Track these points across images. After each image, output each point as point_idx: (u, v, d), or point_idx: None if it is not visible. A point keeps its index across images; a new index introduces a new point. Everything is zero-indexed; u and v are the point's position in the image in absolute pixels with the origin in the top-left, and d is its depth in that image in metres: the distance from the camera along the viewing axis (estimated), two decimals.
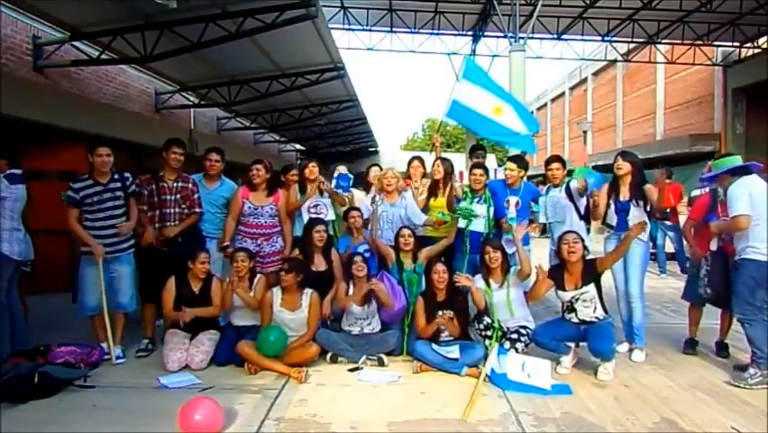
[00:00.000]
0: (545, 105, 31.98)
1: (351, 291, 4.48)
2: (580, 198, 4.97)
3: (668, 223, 8.59)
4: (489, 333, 4.35)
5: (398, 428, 3.20)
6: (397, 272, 4.75)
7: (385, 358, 4.28)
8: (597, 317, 4.12)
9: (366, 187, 5.80)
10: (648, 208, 4.48)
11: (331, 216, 5.19)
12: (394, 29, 14.27)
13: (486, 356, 4.05)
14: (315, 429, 3.18)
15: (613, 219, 4.57)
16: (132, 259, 4.52)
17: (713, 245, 4.47)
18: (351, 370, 4.16)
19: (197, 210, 4.78)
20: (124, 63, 8.51)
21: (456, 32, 14.76)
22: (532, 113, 6.69)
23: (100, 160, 4.29)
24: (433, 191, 5.32)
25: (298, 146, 21.37)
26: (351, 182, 5.65)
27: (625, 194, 4.50)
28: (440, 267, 4.36)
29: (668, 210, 8.14)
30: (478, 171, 5.12)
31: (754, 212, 3.77)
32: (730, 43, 14.42)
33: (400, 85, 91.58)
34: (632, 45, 16.00)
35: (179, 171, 4.77)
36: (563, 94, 29.23)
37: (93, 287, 4.34)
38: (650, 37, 14.20)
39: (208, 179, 5.07)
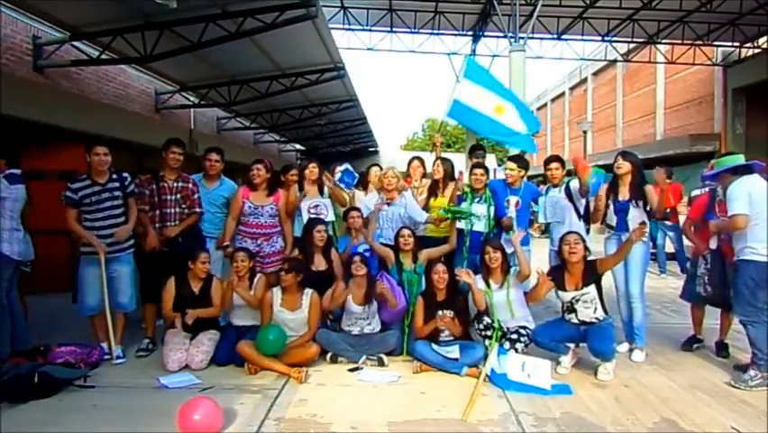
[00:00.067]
0: (545, 105, 32.00)
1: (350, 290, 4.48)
2: (580, 198, 4.97)
3: (668, 223, 8.59)
4: (488, 333, 4.35)
5: (398, 428, 3.20)
6: (397, 273, 4.74)
7: (385, 358, 4.28)
8: (597, 318, 4.11)
9: (364, 186, 5.79)
10: (648, 209, 4.48)
11: (331, 216, 5.19)
12: (394, 29, 14.28)
13: (486, 356, 4.05)
14: (315, 429, 3.18)
15: (613, 220, 4.57)
16: (131, 259, 4.52)
17: (712, 244, 4.47)
18: (351, 370, 4.15)
19: (197, 210, 4.78)
20: (124, 63, 8.51)
21: (456, 32, 14.77)
22: (532, 112, 6.67)
23: (97, 159, 4.29)
24: (433, 191, 5.33)
25: (298, 146, 21.37)
26: (355, 179, 5.66)
27: (624, 194, 4.50)
28: (440, 267, 4.36)
29: (668, 210, 8.13)
30: (479, 171, 5.13)
31: (753, 212, 3.75)
32: (730, 43, 14.43)
33: (400, 85, 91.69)
34: (632, 45, 16.01)
35: (179, 171, 4.77)
36: (563, 94, 29.25)
37: (92, 287, 4.34)
38: (650, 37, 14.21)
39: (208, 179, 5.07)
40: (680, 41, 14.33)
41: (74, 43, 7.58)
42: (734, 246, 3.98)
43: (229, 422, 3.22)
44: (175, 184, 4.71)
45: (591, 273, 4.14)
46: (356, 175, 5.69)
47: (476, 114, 5.33)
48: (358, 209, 5.17)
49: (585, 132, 18.78)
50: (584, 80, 25.88)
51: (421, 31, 14.32)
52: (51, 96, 7.36)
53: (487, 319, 4.39)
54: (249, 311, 4.48)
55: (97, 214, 4.31)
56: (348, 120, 16.06)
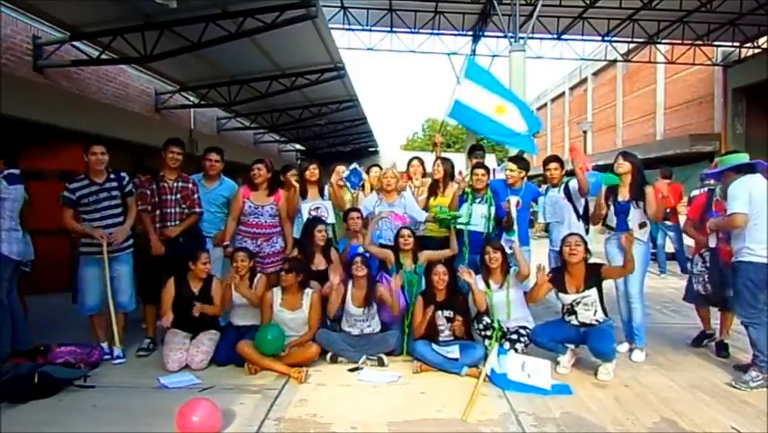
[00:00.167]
0: (545, 105, 31.99)
1: (350, 291, 4.47)
2: (580, 198, 4.97)
3: (668, 223, 8.58)
4: (488, 333, 4.35)
5: (398, 428, 3.20)
6: (397, 273, 4.73)
7: (385, 358, 4.28)
8: (597, 320, 4.11)
9: (363, 186, 5.80)
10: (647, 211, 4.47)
11: (331, 219, 5.20)
12: (394, 29, 14.28)
13: (486, 356, 4.05)
14: (315, 429, 3.18)
15: (613, 221, 4.56)
16: (130, 258, 4.52)
17: (711, 242, 4.47)
18: (351, 370, 4.15)
19: (197, 210, 4.78)
20: (124, 63, 8.52)
21: (456, 32, 14.77)
22: (533, 112, 6.64)
23: (95, 158, 4.28)
24: (433, 191, 5.32)
25: (298, 146, 21.38)
26: (362, 180, 5.68)
27: (624, 195, 4.49)
28: (440, 268, 4.36)
29: (668, 210, 8.14)
30: (480, 171, 5.11)
31: (753, 212, 3.72)
32: (730, 43, 14.43)
33: (400, 85, 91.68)
34: (632, 45, 16.01)
35: (179, 171, 4.77)
36: (563, 94, 29.25)
37: (92, 287, 4.34)
38: (650, 37, 14.21)
39: (208, 179, 5.07)
40: (680, 41, 14.33)
41: (74, 43, 7.59)
42: (732, 246, 3.96)
43: (229, 422, 3.22)
44: (175, 184, 4.71)
45: (593, 277, 4.13)
46: (363, 176, 5.71)
47: (476, 114, 5.33)
48: (358, 210, 5.17)
49: (585, 132, 18.78)
50: (584, 80, 25.88)
51: (421, 31, 14.32)
52: (51, 96, 7.36)
53: (487, 319, 4.39)
54: (249, 311, 4.48)
55: (95, 214, 4.30)
56: (348, 120, 16.07)
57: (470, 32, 14.81)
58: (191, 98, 11.60)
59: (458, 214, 4.90)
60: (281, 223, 4.97)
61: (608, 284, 4.33)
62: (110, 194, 4.36)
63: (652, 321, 5.44)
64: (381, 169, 5.71)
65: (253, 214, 4.87)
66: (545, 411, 3.41)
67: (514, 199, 5.02)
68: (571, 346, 4.19)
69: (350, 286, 4.47)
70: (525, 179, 5.29)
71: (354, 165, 5.72)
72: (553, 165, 5.17)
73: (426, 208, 5.21)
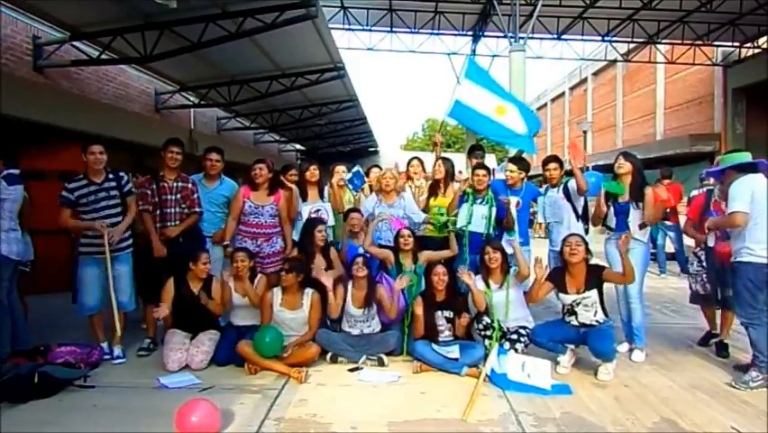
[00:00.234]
0: (545, 105, 31.97)
1: (350, 291, 4.48)
2: (579, 198, 4.97)
3: (668, 223, 8.59)
4: (488, 333, 4.35)
5: (398, 428, 3.20)
6: (397, 273, 4.73)
7: (385, 358, 4.28)
8: (597, 321, 4.11)
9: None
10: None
11: (331, 221, 5.19)
12: (394, 29, 14.27)
13: (486, 356, 4.05)
14: (315, 429, 3.18)
15: (612, 221, 4.57)
16: (130, 258, 4.52)
17: (710, 241, 4.47)
18: (351, 370, 4.15)
19: (197, 210, 4.78)
20: (124, 63, 8.52)
21: (456, 32, 14.77)
22: (533, 112, 6.59)
23: (93, 157, 4.29)
24: (433, 191, 5.32)
25: (298, 146, 21.38)
26: (364, 182, 5.68)
27: (624, 195, 4.49)
28: (440, 269, 4.36)
29: (668, 210, 8.14)
30: (481, 172, 5.07)
31: (753, 211, 3.71)
32: (730, 43, 14.43)
33: (400, 85, 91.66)
34: (632, 45, 16.01)
35: (179, 171, 4.77)
36: (563, 94, 29.24)
37: (91, 287, 4.34)
38: (650, 37, 14.21)
39: (208, 179, 5.07)
40: (680, 41, 14.33)
41: (74, 43, 7.59)
42: (732, 246, 3.95)
43: (229, 422, 3.22)
44: (175, 184, 4.71)
45: (594, 278, 4.13)
46: (365, 178, 5.71)
47: (477, 114, 5.33)
48: (358, 210, 5.17)
49: (585, 132, 18.76)
50: (584, 80, 25.87)
51: (421, 31, 14.32)
52: (51, 96, 7.36)
53: (486, 319, 4.39)
54: (249, 311, 4.48)
55: (94, 214, 4.30)
56: (348, 120, 16.07)
57: (470, 32, 14.81)
58: (191, 98, 11.60)
59: (452, 219, 4.89)
60: (281, 223, 4.97)
61: (608, 284, 4.33)
62: (109, 194, 4.37)
63: (652, 321, 5.44)
64: (381, 169, 5.71)
65: (253, 214, 4.87)
66: (545, 411, 3.41)
67: (514, 200, 5.02)
68: (571, 346, 4.19)
69: (350, 286, 4.47)
70: (525, 180, 5.29)
71: (357, 168, 5.72)
72: (552, 165, 5.18)
73: (427, 208, 5.21)
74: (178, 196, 4.70)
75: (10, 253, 4.01)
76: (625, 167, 4.47)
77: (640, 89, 20.46)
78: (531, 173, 5.67)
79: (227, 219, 4.94)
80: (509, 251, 4.61)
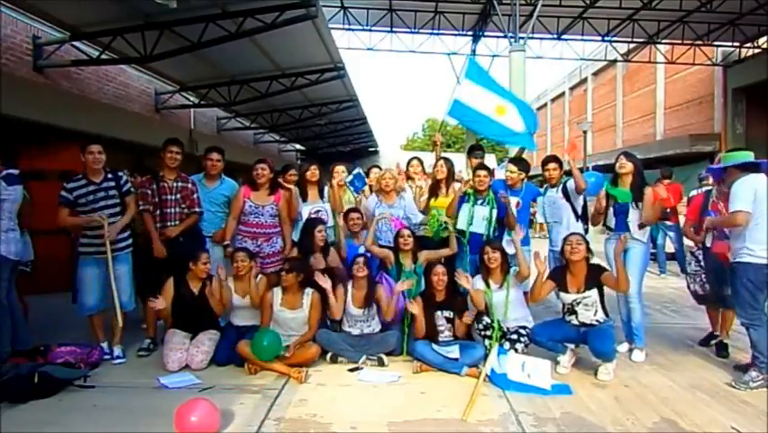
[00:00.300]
0: (545, 105, 31.99)
1: (350, 292, 4.47)
2: (578, 197, 4.97)
3: (668, 223, 8.59)
4: (488, 333, 4.35)
5: (398, 428, 3.20)
6: (397, 273, 4.73)
7: (385, 358, 4.28)
8: (597, 321, 4.11)
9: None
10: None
11: (331, 222, 5.19)
12: (394, 29, 14.29)
13: (486, 356, 4.05)
14: (315, 429, 3.18)
15: (612, 221, 4.57)
16: (129, 258, 4.52)
17: (708, 241, 4.47)
18: (351, 370, 4.15)
19: (197, 210, 4.78)
20: (124, 63, 8.52)
21: (456, 32, 14.78)
22: (532, 110, 6.56)
23: (92, 157, 4.29)
24: (434, 191, 5.31)
25: (298, 146, 21.39)
26: (365, 184, 5.69)
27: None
28: (439, 269, 4.36)
29: (668, 210, 8.14)
30: (482, 173, 5.01)
31: (755, 211, 3.69)
32: (730, 43, 14.44)
33: (400, 85, 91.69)
34: (632, 45, 16.02)
35: (179, 171, 4.77)
36: (563, 94, 29.25)
37: (91, 287, 4.34)
38: (650, 37, 14.22)
39: (209, 179, 5.07)
40: (680, 41, 14.34)
41: (74, 43, 7.59)
42: (732, 246, 3.94)
43: (229, 422, 3.22)
44: (174, 184, 4.71)
45: (595, 278, 4.12)
46: (366, 180, 5.72)
47: (477, 114, 5.34)
48: (358, 210, 5.17)
49: (585, 132, 18.77)
50: (584, 80, 25.89)
51: (421, 31, 14.34)
52: (51, 96, 7.36)
53: (486, 319, 4.38)
54: (249, 311, 4.48)
55: (93, 213, 4.30)
56: (348, 120, 16.08)
57: (470, 32, 14.83)
58: (191, 98, 11.60)
59: (448, 223, 4.88)
60: (281, 223, 4.97)
61: None
62: (107, 193, 4.36)
63: (652, 321, 5.44)
64: (381, 170, 5.71)
65: (254, 213, 4.87)
66: (545, 411, 3.41)
67: (514, 200, 5.01)
68: (571, 346, 4.19)
69: (350, 286, 4.48)
70: (525, 180, 5.29)
71: (358, 170, 5.73)
72: (551, 165, 5.18)
73: (427, 208, 5.20)
74: (178, 196, 4.70)
75: (9, 253, 4.01)
76: (626, 167, 4.47)
77: (640, 89, 20.47)
78: (531, 173, 5.67)
79: (227, 219, 4.94)
80: (510, 251, 4.61)
